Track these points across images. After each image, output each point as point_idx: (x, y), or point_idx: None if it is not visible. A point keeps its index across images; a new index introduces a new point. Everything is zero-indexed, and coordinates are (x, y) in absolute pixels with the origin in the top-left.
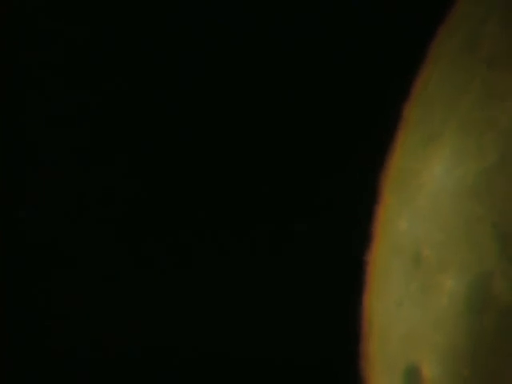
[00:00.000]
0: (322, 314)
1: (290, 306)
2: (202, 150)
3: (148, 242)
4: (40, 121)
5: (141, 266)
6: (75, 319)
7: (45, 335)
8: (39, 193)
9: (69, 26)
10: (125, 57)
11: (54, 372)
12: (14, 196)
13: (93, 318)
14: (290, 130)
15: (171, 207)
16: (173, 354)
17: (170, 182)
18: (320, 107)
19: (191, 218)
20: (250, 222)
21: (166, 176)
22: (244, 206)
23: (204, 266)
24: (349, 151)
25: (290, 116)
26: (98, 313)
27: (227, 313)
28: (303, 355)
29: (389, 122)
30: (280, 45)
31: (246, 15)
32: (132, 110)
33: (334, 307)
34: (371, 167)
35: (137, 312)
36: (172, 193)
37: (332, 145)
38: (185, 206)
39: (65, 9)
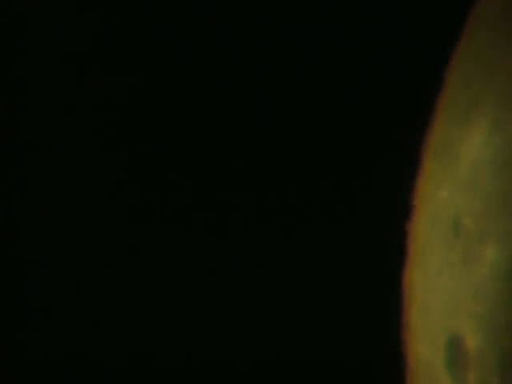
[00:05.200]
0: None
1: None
2: (231, 151)
3: (148, 242)
4: (40, 120)
5: (141, 266)
6: (74, 319)
7: (44, 334)
8: (39, 193)
9: (69, 26)
10: (125, 57)
11: (54, 372)
12: (14, 196)
13: (92, 318)
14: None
15: (171, 207)
16: (176, 353)
17: (171, 182)
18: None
19: (202, 217)
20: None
21: (166, 176)
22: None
23: (221, 267)
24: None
25: (333, 100)
26: (98, 313)
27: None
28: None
29: (429, 93)
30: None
31: (261, 16)
32: (132, 109)
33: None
34: (411, 140)
35: (137, 312)
36: (172, 193)
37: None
38: (194, 206)
39: (65, 8)
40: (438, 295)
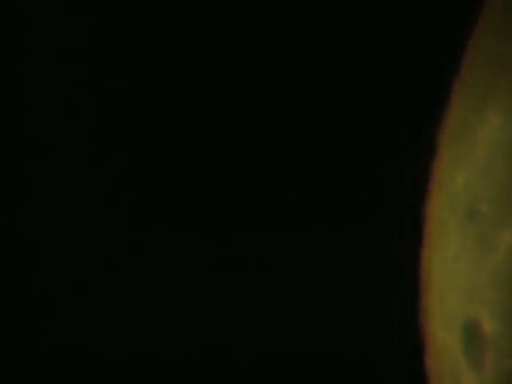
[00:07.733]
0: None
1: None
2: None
3: (148, 242)
4: (40, 120)
5: (141, 266)
6: (74, 319)
7: (44, 334)
8: (39, 193)
9: (69, 26)
10: (125, 57)
11: (54, 372)
12: (14, 196)
13: (92, 318)
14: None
15: (171, 207)
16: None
17: (171, 182)
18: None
19: (202, 217)
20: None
21: (166, 176)
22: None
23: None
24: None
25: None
26: (98, 313)
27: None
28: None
29: (446, 79)
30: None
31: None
32: (132, 109)
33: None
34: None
35: (137, 312)
36: (172, 193)
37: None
38: (194, 206)
39: (65, 8)
40: (455, 280)
